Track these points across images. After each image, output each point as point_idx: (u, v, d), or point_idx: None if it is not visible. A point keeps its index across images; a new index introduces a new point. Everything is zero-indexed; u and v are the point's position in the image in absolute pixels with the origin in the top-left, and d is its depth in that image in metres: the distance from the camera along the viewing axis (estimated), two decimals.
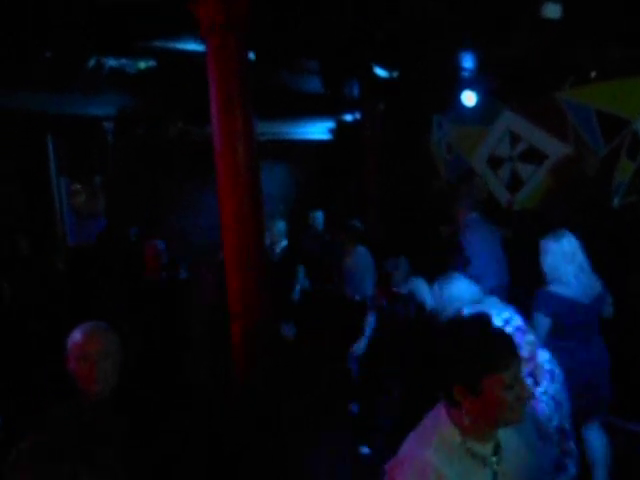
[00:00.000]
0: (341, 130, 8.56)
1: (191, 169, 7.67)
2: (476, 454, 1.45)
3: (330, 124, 8.79)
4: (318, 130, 8.84)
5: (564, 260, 2.97)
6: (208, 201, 8.16)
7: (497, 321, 2.60)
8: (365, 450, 3.96)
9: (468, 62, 5.63)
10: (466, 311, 2.68)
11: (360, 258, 4.80)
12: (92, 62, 4.72)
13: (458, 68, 5.88)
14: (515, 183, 6.69)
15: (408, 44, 4.58)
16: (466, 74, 5.94)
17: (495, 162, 6.88)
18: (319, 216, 5.75)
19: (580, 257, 3.00)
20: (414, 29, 4.29)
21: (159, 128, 7.23)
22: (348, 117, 8.41)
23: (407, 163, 7.41)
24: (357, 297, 4.56)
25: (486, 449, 1.47)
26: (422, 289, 3.78)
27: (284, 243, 5.78)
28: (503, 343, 1.46)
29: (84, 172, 7.49)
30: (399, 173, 7.23)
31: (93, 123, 6.61)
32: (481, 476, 1.44)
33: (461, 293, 2.91)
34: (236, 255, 3.12)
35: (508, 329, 2.55)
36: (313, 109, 7.96)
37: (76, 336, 2.05)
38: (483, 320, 1.52)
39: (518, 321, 2.71)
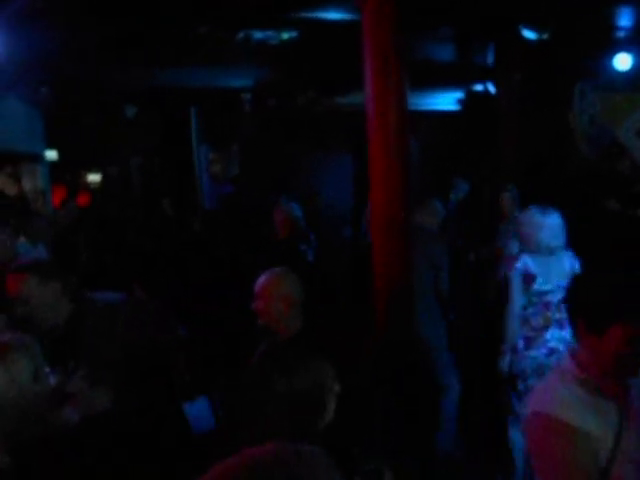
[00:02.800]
0: (471, 101, 8.24)
1: (320, 140, 7.86)
2: (599, 390, 1.44)
3: (458, 94, 8.49)
4: (445, 101, 8.58)
5: None
6: (335, 172, 8.37)
7: None
8: None
9: (625, 20, 5.10)
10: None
11: None
12: (241, 35, 4.99)
13: (612, 27, 5.37)
14: None
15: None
16: (621, 34, 5.40)
17: None
18: (464, 186, 5.57)
19: None
20: None
21: (290, 98, 7.48)
22: (479, 87, 8.06)
23: (545, 137, 6.99)
24: None
25: (609, 387, 1.45)
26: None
27: None
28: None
29: (222, 141, 8.01)
30: (536, 148, 6.84)
31: (232, 94, 7.01)
32: (607, 411, 1.43)
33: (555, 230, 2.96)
34: (384, 218, 3.20)
35: None
36: (441, 78, 7.73)
37: (259, 278, 2.29)
38: (626, 271, 1.54)
39: None
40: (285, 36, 5.14)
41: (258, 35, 5.09)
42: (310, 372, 1.32)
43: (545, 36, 4.77)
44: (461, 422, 3.58)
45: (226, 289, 4.19)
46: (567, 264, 3.03)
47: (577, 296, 1.53)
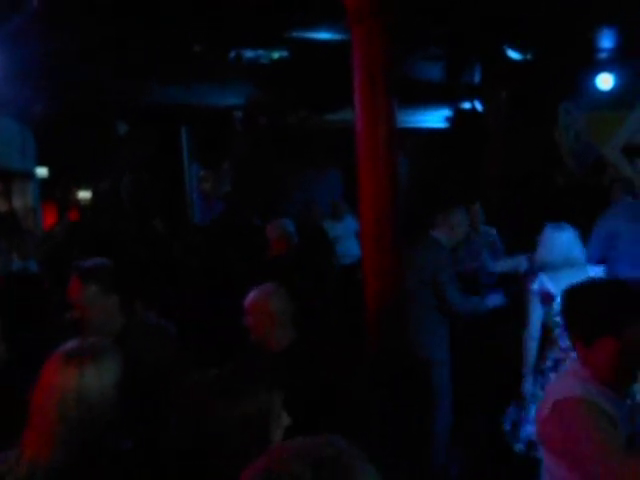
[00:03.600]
0: (459, 118, 8.39)
1: (310, 157, 7.94)
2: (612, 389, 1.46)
3: (446, 112, 8.64)
4: (434, 118, 8.74)
5: None
6: (325, 189, 8.44)
7: None
8: None
9: (607, 41, 5.27)
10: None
11: None
12: (232, 54, 5.08)
13: (594, 49, 5.54)
14: None
15: (546, 22, 4.39)
16: (603, 55, 5.57)
17: (633, 150, 6.42)
18: (479, 208, 5.32)
19: None
20: (555, 5, 4.11)
21: (280, 116, 7.57)
22: (466, 105, 8.22)
23: (531, 154, 7.13)
24: None
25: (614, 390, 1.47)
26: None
27: None
28: (628, 308, 1.46)
29: (213, 159, 8.05)
30: (523, 165, 6.96)
31: (224, 113, 7.08)
32: (621, 410, 1.45)
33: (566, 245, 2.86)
34: (373, 233, 3.24)
35: None
36: (430, 96, 7.88)
37: (248, 295, 2.31)
38: (620, 284, 1.60)
39: None
40: (276, 55, 5.24)
41: (249, 54, 5.18)
42: (253, 401, 1.28)
43: (529, 56, 4.90)
44: (456, 435, 3.58)
45: (219, 299, 4.21)
46: None
47: (568, 308, 1.57)
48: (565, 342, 2.86)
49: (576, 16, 4.36)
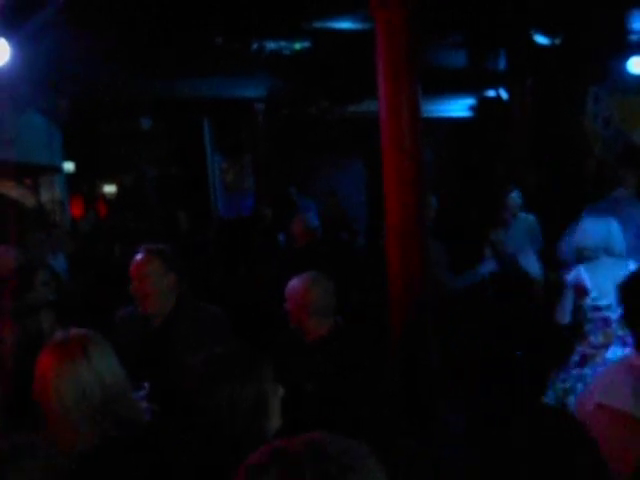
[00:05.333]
0: (483, 107, 8.24)
1: (331, 148, 7.91)
2: None
3: (470, 101, 8.50)
4: (457, 107, 8.60)
5: None
6: (347, 181, 8.41)
7: None
8: None
9: (639, 23, 5.08)
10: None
11: None
12: (254, 46, 5.07)
13: (625, 31, 5.35)
14: None
15: (576, 3, 4.23)
16: (635, 37, 5.38)
17: None
18: (516, 196, 4.98)
19: None
20: None
21: (302, 107, 7.55)
22: (491, 93, 8.07)
23: (558, 142, 6.96)
24: None
25: None
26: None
27: None
28: None
29: (235, 151, 8.09)
30: (550, 153, 6.81)
31: (245, 104, 7.09)
32: None
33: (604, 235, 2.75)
34: (397, 223, 3.22)
35: None
36: (453, 85, 7.75)
37: (290, 281, 2.31)
38: None
39: None
40: (298, 46, 5.21)
41: (271, 45, 5.16)
42: (252, 381, 1.35)
43: (557, 41, 4.76)
44: None
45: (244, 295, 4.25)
46: None
47: (626, 300, 1.59)
48: (597, 339, 2.77)
49: None
